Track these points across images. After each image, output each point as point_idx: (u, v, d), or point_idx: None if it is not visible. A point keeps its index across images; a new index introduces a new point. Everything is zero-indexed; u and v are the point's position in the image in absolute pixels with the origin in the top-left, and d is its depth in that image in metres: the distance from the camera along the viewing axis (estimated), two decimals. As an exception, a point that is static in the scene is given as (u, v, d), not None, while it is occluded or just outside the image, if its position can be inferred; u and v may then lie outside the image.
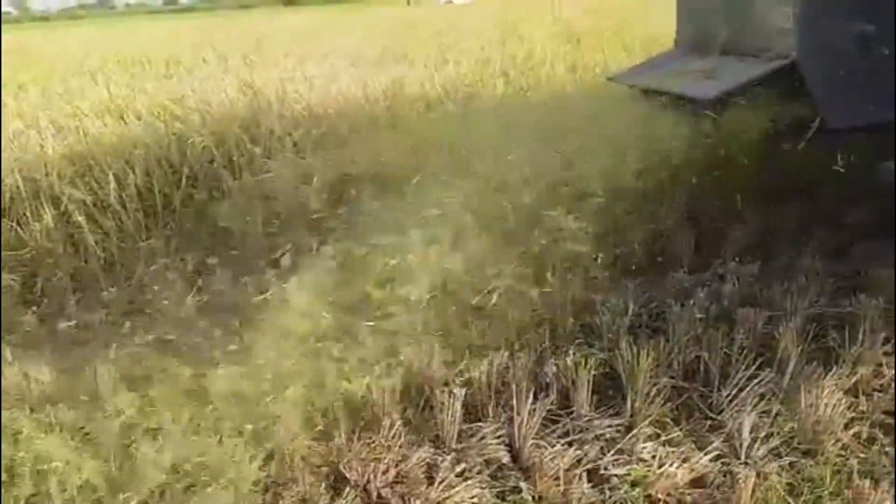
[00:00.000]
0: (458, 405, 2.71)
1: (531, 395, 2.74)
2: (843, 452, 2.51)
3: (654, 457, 2.55)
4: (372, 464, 2.48)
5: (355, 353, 2.97)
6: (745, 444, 2.54)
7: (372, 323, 3.13)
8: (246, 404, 2.63)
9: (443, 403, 2.69)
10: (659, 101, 4.29)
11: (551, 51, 9.06)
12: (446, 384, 2.84)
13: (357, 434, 2.63)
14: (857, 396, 2.77)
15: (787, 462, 2.49)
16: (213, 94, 6.23)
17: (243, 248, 4.13)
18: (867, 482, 2.29)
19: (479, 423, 2.74)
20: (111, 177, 4.51)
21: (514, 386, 2.81)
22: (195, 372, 2.90)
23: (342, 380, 2.82)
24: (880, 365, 2.89)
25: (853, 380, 2.82)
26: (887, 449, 2.53)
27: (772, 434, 2.60)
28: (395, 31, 15.71)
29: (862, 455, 2.50)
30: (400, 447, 2.58)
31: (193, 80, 7.51)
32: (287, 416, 2.57)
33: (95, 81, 8.70)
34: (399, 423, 2.67)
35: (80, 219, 4.32)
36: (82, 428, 2.63)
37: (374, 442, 2.60)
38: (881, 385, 2.83)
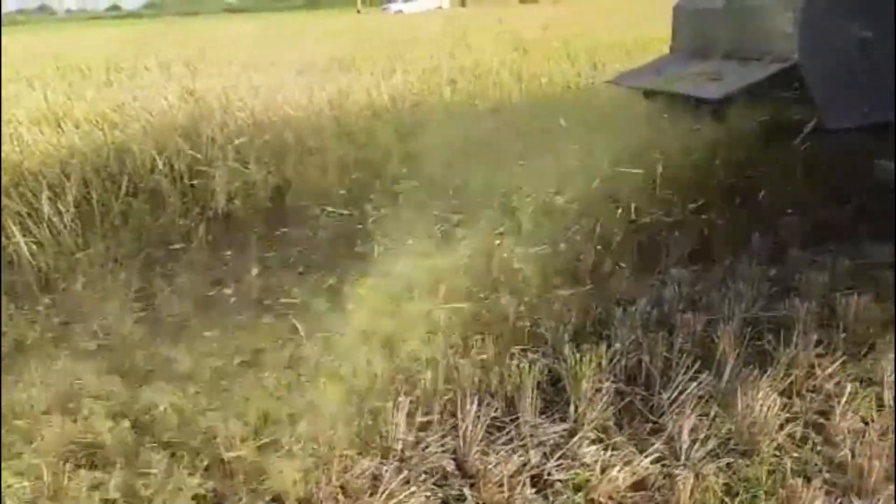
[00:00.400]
0: (403, 414, 2.70)
1: (476, 403, 2.75)
2: (777, 452, 2.57)
3: (596, 461, 2.58)
4: (315, 474, 2.44)
5: (297, 361, 2.95)
6: (685, 447, 2.59)
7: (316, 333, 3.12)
8: (183, 418, 2.58)
9: (388, 412, 2.68)
10: (659, 102, 4.37)
11: (498, 60, 9.15)
12: (391, 392, 2.83)
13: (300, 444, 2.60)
14: (791, 397, 2.85)
15: (725, 463, 2.53)
16: (155, 101, 6.11)
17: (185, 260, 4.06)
18: (800, 481, 2.34)
19: (424, 432, 2.73)
20: (45, 186, 4.38)
21: (458, 393, 2.82)
22: (132, 388, 2.84)
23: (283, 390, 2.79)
24: (812, 366, 2.97)
25: (787, 381, 2.89)
26: (819, 448, 2.60)
27: (710, 436, 2.64)
28: (344, 39, 15.67)
29: (795, 455, 2.57)
30: (343, 457, 2.56)
31: (135, 88, 7.35)
32: (226, 427, 2.53)
33: (33, 88, 8.47)
34: (343, 432, 2.65)
35: (15, 230, 4.19)
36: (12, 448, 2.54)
37: (317, 452, 2.57)
38: (814, 386, 2.91)
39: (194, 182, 4.70)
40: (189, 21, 37.38)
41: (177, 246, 4.18)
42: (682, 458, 2.56)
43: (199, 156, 4.85)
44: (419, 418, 2.76)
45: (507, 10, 28.16)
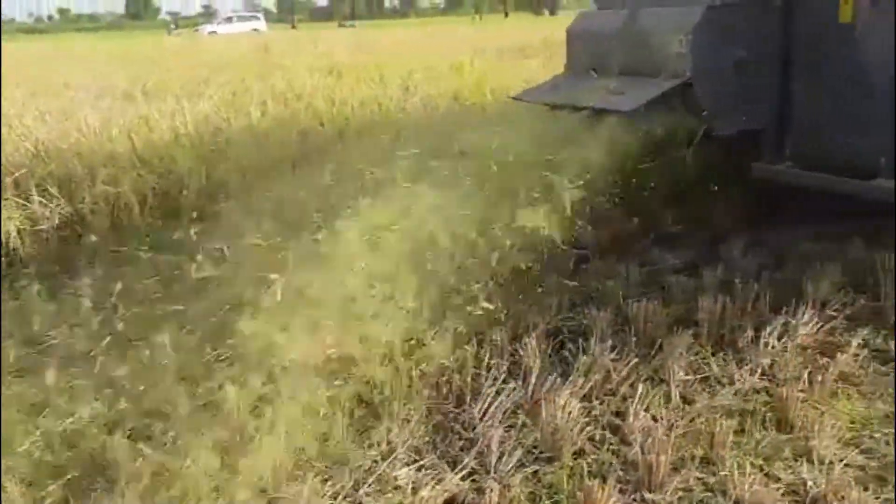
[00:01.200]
0: (208, 449, 2.55)
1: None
2: (577, 456, 2.69)
3: (409, 482, 2.58)
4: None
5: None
6: (494, 459, 2.65)
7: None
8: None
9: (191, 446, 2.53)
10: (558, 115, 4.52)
11: (312, 83, 9.08)
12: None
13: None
14: (590, 401, 3.00)
15: (531, 471, 2.62)
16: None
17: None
18: (597, 482, 2.46)
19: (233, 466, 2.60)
20: None
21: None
22: None
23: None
24: (608, 371, 3.14)
25: (587, 387, 3.05)
26: (615, 448, 2.75)
27: (517, 446, 2.73)
28: (151, 61, 14.92)
29: (593, 456, 2.70)
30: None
31: None
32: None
33: None
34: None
35: None
36: None
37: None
38: (610, 389, 3.08)
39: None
40: (-26, 41, 34.06)
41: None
42: (492, 470, 2.62)
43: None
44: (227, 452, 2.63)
45: (327, 33, 28.16)
